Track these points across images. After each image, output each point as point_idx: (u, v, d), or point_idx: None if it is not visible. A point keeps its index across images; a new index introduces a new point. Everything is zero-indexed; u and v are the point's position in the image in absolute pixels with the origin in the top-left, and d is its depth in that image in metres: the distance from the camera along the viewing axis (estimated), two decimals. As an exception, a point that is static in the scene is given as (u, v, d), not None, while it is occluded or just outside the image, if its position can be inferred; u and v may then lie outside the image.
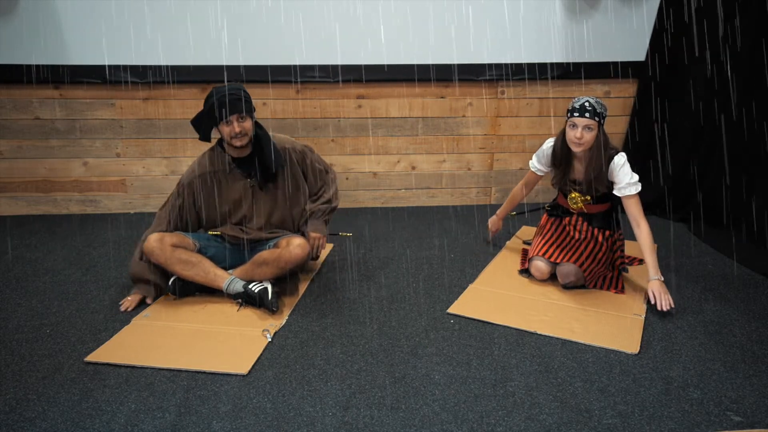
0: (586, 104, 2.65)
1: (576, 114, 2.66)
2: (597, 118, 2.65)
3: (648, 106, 3.86)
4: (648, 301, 2.68)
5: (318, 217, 2.90)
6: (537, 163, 3.00)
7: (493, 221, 3.42)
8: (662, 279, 2.69)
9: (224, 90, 2.57)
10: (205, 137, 2.67)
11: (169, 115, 3.93)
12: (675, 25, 3.65)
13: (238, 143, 2.63)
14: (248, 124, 2.63)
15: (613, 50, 3.87)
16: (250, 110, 2.63)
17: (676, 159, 3.81)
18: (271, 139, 2.75)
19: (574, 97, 2.74)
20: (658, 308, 2.59)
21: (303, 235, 2.87)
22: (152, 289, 2.72)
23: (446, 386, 2.11)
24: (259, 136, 2.70)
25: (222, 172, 2.76)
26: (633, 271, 3.04)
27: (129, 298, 2.71)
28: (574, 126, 2.68)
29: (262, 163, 2.71)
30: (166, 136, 3.99)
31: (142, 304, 2.71)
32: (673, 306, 2.61)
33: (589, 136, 2.67)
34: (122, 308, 2.66)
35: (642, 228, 2.72)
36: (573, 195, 2.91)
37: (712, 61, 3.52)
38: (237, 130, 2.58)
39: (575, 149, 2.73)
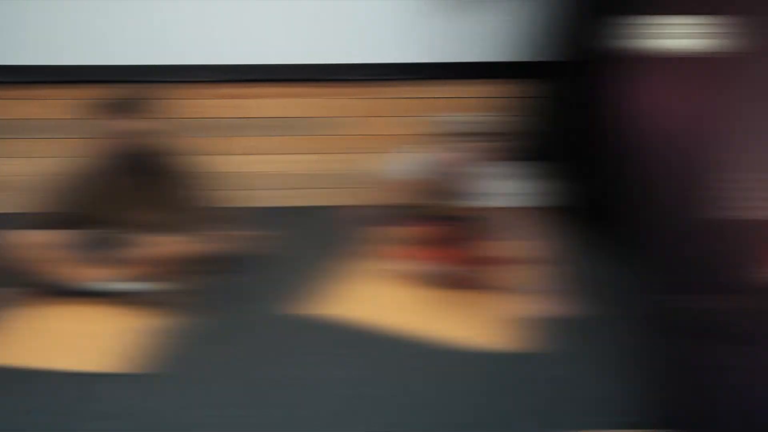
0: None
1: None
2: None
3: (546, 108, 3.78)
4: None
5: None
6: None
7: None
8: None
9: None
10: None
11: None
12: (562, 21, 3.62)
13: (127, 139, 2.72)
14: (141, 124, 2.72)
15: (496, 49, 3.83)
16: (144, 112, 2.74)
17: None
18: (159, 142, 2.82)
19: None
20: None
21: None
22: None
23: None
24: (150, 137, 2.78)
25: (109, 164, 2.81)
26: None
27: None
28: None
29: (141, 162, 2.79)
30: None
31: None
32: None
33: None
34: None
35: None
36: None
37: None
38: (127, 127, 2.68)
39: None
